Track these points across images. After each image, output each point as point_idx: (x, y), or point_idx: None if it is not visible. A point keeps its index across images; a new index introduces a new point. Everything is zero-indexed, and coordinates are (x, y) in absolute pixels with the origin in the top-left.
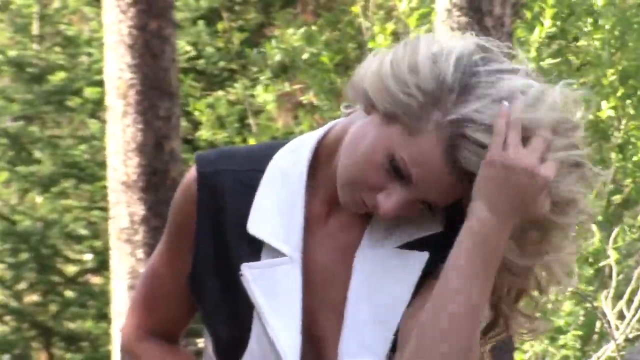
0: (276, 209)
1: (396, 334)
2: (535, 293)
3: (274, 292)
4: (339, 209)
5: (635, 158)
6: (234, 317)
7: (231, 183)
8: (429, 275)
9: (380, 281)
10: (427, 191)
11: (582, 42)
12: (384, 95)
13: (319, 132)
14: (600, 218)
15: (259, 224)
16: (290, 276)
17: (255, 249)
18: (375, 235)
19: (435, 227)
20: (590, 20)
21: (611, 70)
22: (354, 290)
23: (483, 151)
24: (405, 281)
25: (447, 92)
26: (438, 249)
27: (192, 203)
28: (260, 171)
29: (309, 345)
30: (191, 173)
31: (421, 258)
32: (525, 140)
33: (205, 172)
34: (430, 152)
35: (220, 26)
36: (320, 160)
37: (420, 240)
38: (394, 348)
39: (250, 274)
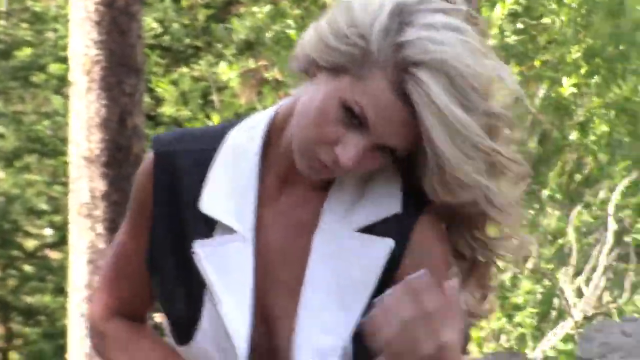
0: (229, 187)
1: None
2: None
3: (226, 270)
4: (292, 186)
5: (594, 137)
6: (188, 296)
7: (187, 163)
8: (395, 265)
9: (341, 264)
10: (384, 133)
11: (546, 20)
12: (327, 51)
13: (270, 110)
14: (559, 196)
15: (211, 202)
16: (242, 254)
17: (209, 227)
18: (332, 216)
19: (394, 208)
20: None
21: (575, 48)
22: (313, 272)
23: (426, 82)
24: (368, 267)
25: (385, 34)
26: (400, 235)
27: (149, 183)
28: (215, 150)
29: (261, 324)
30: (149, 154)
31: (385, 245)
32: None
33: (161, 153)
34: (381, 92)
35: (185, 3)
36: (273, 138)
37: (381, 224)
38: (357, 335)
39: (202, 251)
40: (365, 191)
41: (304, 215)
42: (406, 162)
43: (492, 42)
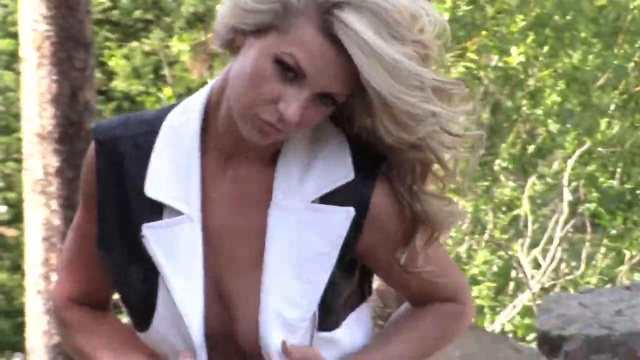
0: (172, 169)
1: (326, 290)
2: (438, 171)
3: (175, 251)
4: (237, 163)
5: (544, 107)
6: (142, 282)
7: (128, 148)
8: (356, 233)
9: (300, 237)
10: (322, 81)
11: None
12: (249, 15)
13: (206, 89)
14: (510, 166)
15: (156, 185)
16: (191, 235)
17: (157, 211)
18: (285, 189)
19: (347, 175)
20: None
21: (520, 17)
22: (272, 248)
23: (351, 21)
24: (330, 237)
25: None
26: (359, 202)
27: (92, 172)
28: (155, 132)
29: (217, 305)
30: (92, 143)
31: (347, 214)
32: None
33: (101, 140)
34: (310, 39)
35: None
36: (210, 116)
37: (336, 192)
38: (322, 303)
39: (151, 234)
40: (314, 160)
41: (254, 191)
42: (350, 112)
43: (445, 15)
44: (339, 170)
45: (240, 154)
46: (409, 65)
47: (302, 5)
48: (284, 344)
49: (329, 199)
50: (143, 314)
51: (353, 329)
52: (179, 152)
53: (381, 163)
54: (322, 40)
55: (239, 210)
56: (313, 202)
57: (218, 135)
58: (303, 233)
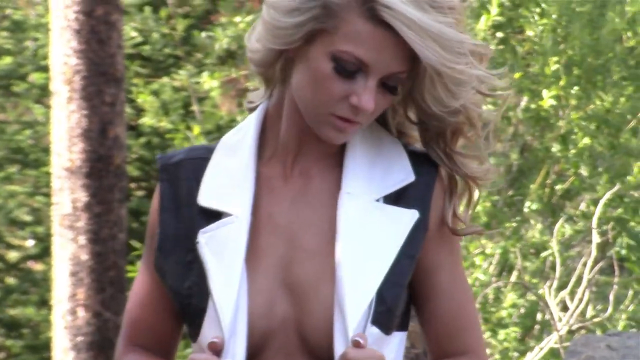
0: (226, 178)
1: (386, 286)
2: (469, 132)
3: (221, 250)
4: (301, 163)
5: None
6: (197, 287)
7: (189, 169)
8: (421, 231)
9: (366, 230)
10: (383, 64)
11: (527, 31)
12: (291, 30)
13: (259, 109)
14: (538, 207)
15: (208, 194)
16: (236, 233)
17: (212, 220)
18: (352, 181)
19: (408, 176)
20: (537, 9)
21: (554, 59)
22: (342, 234)
23: (393, 2)
24: (394, 236)
25: None
26: (421, 203)
27: (157, 197)
28: (212, 150)
29: (286, 293)
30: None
31: (412, 216)
32: None
33: (164, 166)
34: (360, 28)
35: (164, 12)
36: (268, 131)
37: (400, 192)
38: (380, 299)
39: (203, 238)
40: (376, 162)
41: (322, 184)
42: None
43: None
44: (399, 172)
45: (306, 155)
46: (452, 33)
47: (341, 1)
48: (355, 341)
49: (393, 199)
50: (196, 320)
51: (391, 349)
52: (234, 162)
53: (437, 165)
54: (371, 27)
55: (309, 204)
56: (377, 200)
57: (281, 142)
58: (369, 227)
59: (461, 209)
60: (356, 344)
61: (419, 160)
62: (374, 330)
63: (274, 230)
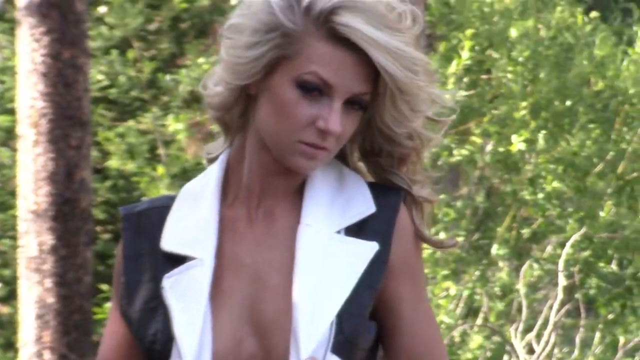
0: (189, 223)
1: (338, 322)
2: (414, 157)
3: (185, 294)
4: (265, 204)
5: (542, 194)
6: (162, 332)
7: (152, 217)
8: (378, 261)
9: (325, 264)
10: (347, 85)
11: (495, 75)
12: (253, 64)
13: (222, 157)
14: (505, 252)
15: (172, 239)
16: (200, 276)
17: (176, 265)
18: (312, 213)
19: (369, 208)
20: (508, 54)
21: (523, 103)
22: (300, 272)
23: (350, 21)
24: (354, 266)
25: (291, 10)
26: (382, 235)
27: (120, 247)
28: (174, 199)
29: (252, 331)
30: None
31: (371, 247)
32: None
33: (128, 215)
34: (322, 50)
35: (131, 55)
36: (231, 176)
37: (360, 224)
38: (340, 329)
39: (167, 282)
40: (337, 195)
41: (285, 223)
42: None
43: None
44: (359, 204)
45: (269, 195)
46: (409, 50)
47: (300, 27)
48: None
49: (354, 231)
50: None
51: None
52: (197, 207)
53: (399, 195)
54: (332, 48)
55: (274, 242)
56: (338, 232)
57: (244, 185)
58: (327, 259)
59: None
60: None
61: (381, 192)
62: (333, 359)
63: (239, 270)
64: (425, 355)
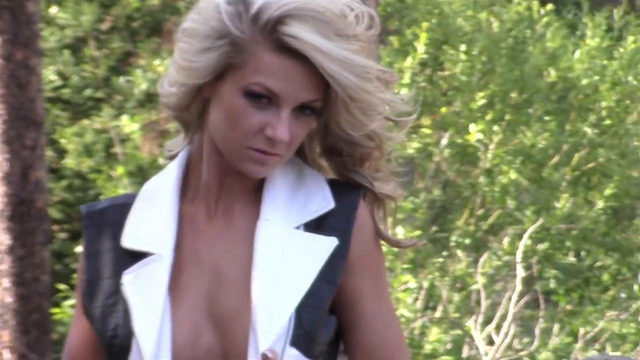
0: (148, 220)
1: (297, 316)
2: (376, 155)
3: (144, 289)
4: (224, 202)
5: (499, 187)
6: (122, 327)
7: (113, 215)
8: (337, 256)
9: (283, 259)
10: (295, 94)
11: (449, 69)
12: (201, 69)
13: (182, 154)
14: (467, 242)
15: (131, 236)
16: (159, 271)
17: (136, 261)
18: (271, 210)
19: (328, 203)
20: (463, 47)
21: (480, 94)
22: (259, 268)
23: (296, 30)
24: (312, 262)
25: (239, 18)
26: (341, 231)
27: (83, 244)
28: (135, 197)
29: (211, 325)
30: None
31: (330, 243)
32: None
33: (89, 213)
34: (268, 60)
35: (88, 51)
36: (191, 173)
37: (319, 220)
38: (299, 322)
39: (127, 278)
40: (296, 192)
41: (244, 220)
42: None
43: (404, 90)
44: (319, 200)
45: (228, 193)
46: (358, 59)
47: (247, 36)
48: (263, 354)
49: (313, 227)
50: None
51: None
52: (156, 204)
53: (359, 192)
54: (279, 58)
55: (233, 238)
56: (297, 228)
57: (203, 183)
58: (286, 253)
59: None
60: (264, 358)
61: (340, 189)
62: (292, 352)
63: (199, 265)
64: (385, 351)
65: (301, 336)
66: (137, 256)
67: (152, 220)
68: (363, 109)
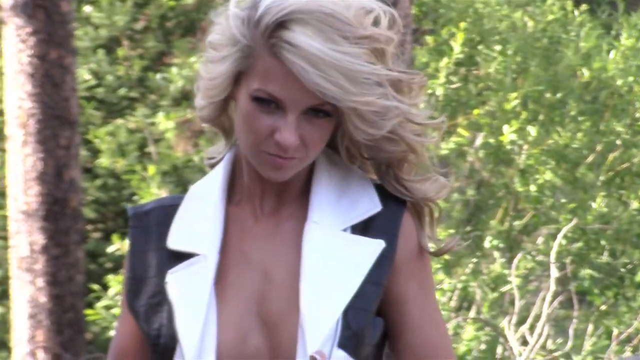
0: (194, 221)
1: (344, 318)
2: (413, 158)
3: (188, 289)
4: (270, 204)
5: (534, 187)
6: (165, 327)
7: (159, 216)
8: (387, 261)
9: (331, 261)
10: (298, 99)
11: (484, 68)
12: (222, 80)
13: (228, 154)
14: (500, 244)
15: (177, 237)
16: (204, 271)
17: (181, 262)
18: (319, 212)
19: (375, 206)
20: (497, 47)
21: (514, 95)
22: (308, 263)
23: (295, 35)
24: (358, 266)
25: (248, 23)
26: (389, 234)
27: (128, 242)
28: (182, 198)
29: (259, 326)
30: None
31: (377, 245)
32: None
33: (136, 213)
34: (269, 66)
35: (122, 52)
36: (237, 173)
37: (366, 222)
38: (346, 324)
39: (171, 278)
40: (343, 194)
41: (292, 225)
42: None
43: (439, 90)
44: (365, 203)
45: (272, 195)
46: (359, 65)
47: (250, 41)
48: (312, 357)
49: (360, 229)
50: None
51: None
52: (203, 206)
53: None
54: (278, 63)
55: (281, 239)
56: (344, 230)
57: (246, 187)
58: (333, 256)
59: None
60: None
61: (387, 192)
62: (340, 354)
63: (247, 266)
64: (431, 352)
65: (349, 338)
66: (182, 257)
67: (198, 222)
68: (366, 116)
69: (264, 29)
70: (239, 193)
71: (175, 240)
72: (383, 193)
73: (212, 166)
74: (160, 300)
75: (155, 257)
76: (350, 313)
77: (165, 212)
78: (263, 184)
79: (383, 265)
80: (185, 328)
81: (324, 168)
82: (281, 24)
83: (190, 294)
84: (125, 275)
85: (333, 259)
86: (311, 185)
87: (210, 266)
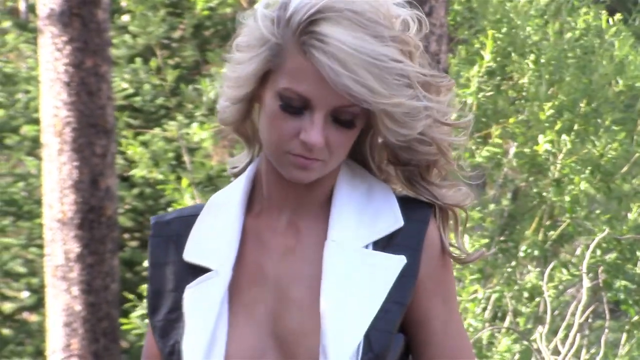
0: (211, 233)
1: (366, 339)
2: (442, 162)
3: (200, 306)
4: (288, 216)
5: (569, 197)
6: (178, 344)
7: (179, 226)
8: (406, 276)
9: (352, 281)
10: (326, 98)
11: (518, 77)
12: (248, 79)
13: (251, 166)
14: (536, 253)
15: (193, 250)
16: (215, 288)
17: (198, 275)
18: (339, 229)
19: (397, 222)
20: (532, 57)
21: (549, 104)
22: (328, 282)
23: (327, 31)
24: (380, 284)
25: (278, 22)
26: (411, 250)
27: (148, 255)
28: (202, 208)
29: (275, 344)
30: None
31: (399, 261)
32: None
33: (157, 223)
34: (298, 64)
35: (154, 63)
36: (258, 184)
37: (388, 238)
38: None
39: (187, 294)
40: (364, 209)
41: (310, 236)
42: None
43: (470, 99)
44: (387, 218)
45: (293, 207)
46: (390, 65)
47: (280, 39)
48: None
49: (382, 245)
50: None
51: None
52: (221, 218)
53: (429, 209)
54: (308, 61)
55: (298, 255)
56: (366, 247)
57: (266, 197)
58: (354, 275)
59: (452, 236)
60: None
61: (410, 206)
62: None
63: (263, 282)
64: None
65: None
66: (198, 270)
67: (215, 234)
68: (395, 116)
69: (295, 27)
70: (258, 204)
71: (190, 253)
72: (406, 207)
73: (236, 175)
74: (178, 316)
75: (173, 270)
76: (372, 334)
77: (185, 222)
78: (283, 195)
79: (405, 283)
80: (189, 348)
81: (346, 181)
82: (312, 22)
83: (200, 312)
84: (147, 288)
85: (354, 277)
86: (332, 198)
87: (222, 283)
